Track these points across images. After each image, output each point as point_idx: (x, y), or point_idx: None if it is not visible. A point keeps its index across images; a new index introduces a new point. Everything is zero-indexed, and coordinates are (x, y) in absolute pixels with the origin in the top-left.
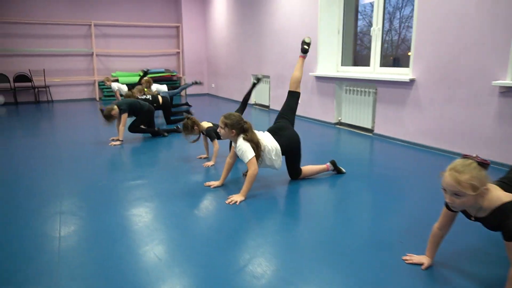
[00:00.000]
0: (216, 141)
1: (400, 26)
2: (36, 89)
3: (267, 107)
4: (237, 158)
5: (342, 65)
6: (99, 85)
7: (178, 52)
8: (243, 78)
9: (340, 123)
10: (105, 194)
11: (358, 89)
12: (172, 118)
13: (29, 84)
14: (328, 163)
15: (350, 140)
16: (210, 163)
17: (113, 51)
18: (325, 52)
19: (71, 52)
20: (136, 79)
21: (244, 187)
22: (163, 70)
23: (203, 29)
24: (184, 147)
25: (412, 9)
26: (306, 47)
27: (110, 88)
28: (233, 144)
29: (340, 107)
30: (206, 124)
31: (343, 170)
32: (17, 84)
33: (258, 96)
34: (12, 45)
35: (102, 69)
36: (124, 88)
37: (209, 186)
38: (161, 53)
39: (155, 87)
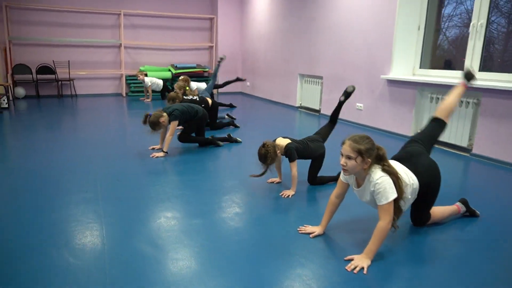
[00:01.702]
0: (296, 163)
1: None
2: (60, 82)
3: (317, 111)
4: (343, 196)
5: (420, 67)
6: (126, 79)
7: (211, 47)
8: (287, 78)
9: None
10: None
11: None
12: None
13: (52, 76)
14: (458, 203)
15: (437, 160)
16: (289, 193)
17: (142, 43)
18: (401, 51)
19: (98, 43)
20: (164, 74)
21: (372, 246)
22: (194, 65)
23: (240, 23)
24: (245, 162)
25: None
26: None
27: (140, 82)
28: (347, 178)
29: (421, 118)
30: (283, 141)
31: (477, 212)
32: (39, 76)
33: (306, 98)
34: (35, 34)
35: (130, 62)
36: (160, 83)
37: (306, 233)
38: (193, 47)
39: (194, 85)
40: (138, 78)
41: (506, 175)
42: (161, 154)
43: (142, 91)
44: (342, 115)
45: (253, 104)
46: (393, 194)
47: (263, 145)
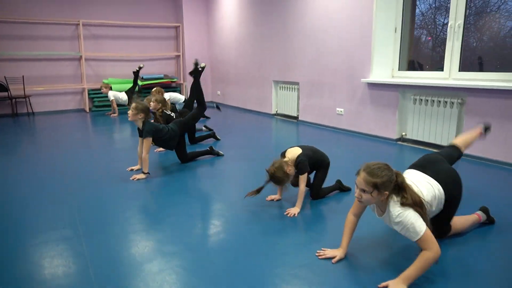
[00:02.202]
0: (306, 176)
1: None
2: (14, 100)
3: (295, 118)
4: (361, 214)
5: (399, 69)
6: (88, 94)
7: (178, 56)
8: (260, 85)
9: (403, 139)
10: None
11: (433, 98)
12: (197, 135)
13: (5, 94)
14: (479, 212)
15: None
16: (295, 211)
17: (105, 54)
18: (380, 54)
19: (56, 56)
20: (130, 86)
21: (412, 272)
22: (162, 76)
23: (207, 30)
24: (234, 177)
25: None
26: None
27: (105, 96)
28: (370, 206)
29: (405, 120)
30: (292, 152)
31: (495, 219)
32: None
33: (282, 105)
34: None
35: (92, 75)
36: (123, 97)
37: (326, 258)
38: (159, 56)
39: (168, 95)
40: (102, 91)
41: (495, 173)
42: (142, 176)
43: (107, 105)
44: (322, 120)
45: (226, 113)
46: (422, 226)
47: (273, 166)
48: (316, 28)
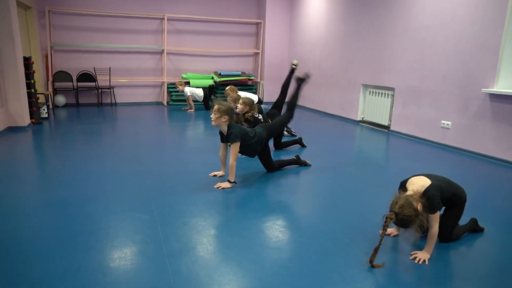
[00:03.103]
0: (438, 216)
1: None
2: (100, 90)
3: (386, 127)
4: None
5: None
6: (167, 87)
7: (257, 53)
8: (346, 88)
9: None
10: None
11: None
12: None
13: (92, 84)
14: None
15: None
16: (424, 257)
17: (185, 49)
18: (511, 61)
19: (140, 49)
20: (207, 82)
21: None
22: (239, 73)
23: (289, 28)
24: (333, 194)
25: None
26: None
27: (182, 93)
28: None
29: None
30: (418, 183)
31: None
32: (80, 84)
33: (371, 112)
34: (76, 40)
35: (172, 69)
36: (200, 93)
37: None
38: (237, 53)
39: (243, 96)
40: (178, 89)
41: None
42: (228, 185)
43: (184, 100)
44: (420, 133)
45: (305, 116)
46: None
47: (397, 204)
48: (422, 28)
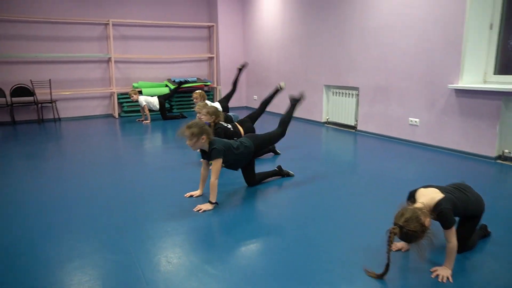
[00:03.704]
0: (454, 230)
1: None
2: (40, 105)
3: (353, 127)
4: None
5: (494, 73)
6: (118, 98)
7: (211, 58)
8: (308, 90)
9: (504, 157)
10: None
11: None
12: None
13: (30, 98)
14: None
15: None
16: (446, 274)
17: (134, 56)
18: (472, 56)
19: (84, 58)
20: (161, 90)
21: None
22: (195, 79)
23: (243, 30)
24: (327, 210)
25: None
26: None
27: (136, 102)
28: None
29: (509, 135)
30: (428, 196)
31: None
32: (15, 99)
33: (335, 112)
34: (9, 50)
35: (121, 78)
36: (156, 102)
37: None
38: (191, 58)
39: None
40: (132, 98)
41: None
42: (209, 206)
43: (138, 111)
44: (389, 131)
45: (267, 120)
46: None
47: (402, 217)
48: (382, 27)
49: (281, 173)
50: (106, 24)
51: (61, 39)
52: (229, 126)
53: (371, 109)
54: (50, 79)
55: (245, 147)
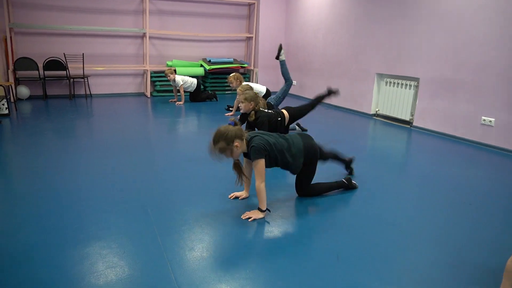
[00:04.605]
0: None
1: None
2: (72, 80)
3: (408, 122)
4: None
5: None
6: (151, 76)
7: (250, 38)
8: (356, 78)
9: None
10: None
11: None
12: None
13: (63, 72)
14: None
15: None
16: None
17: (170, 32)
18: None
19: (118, 32)
20: (195, 70)
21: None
22: (231, 60)
23: (286, 9)
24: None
25: None
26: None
27: (169, 82)
28: None
29: None
30: None
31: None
32: (47, 73)
33: (387, 105)
34: (42, 21)
35: (155, 55)
36: (194, 82)
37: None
38: (228, 37)
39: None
40: (168, 77)
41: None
42: (260, 214)
43: (170, 90)
44: (453, 130)
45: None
46: None
47: None
48: (454, 11)
49: (349, 185)
50: None
51: (95, 11)
52: (269, 111)
53: (433, 104)
54: (83, 53)
55: (294, 145)
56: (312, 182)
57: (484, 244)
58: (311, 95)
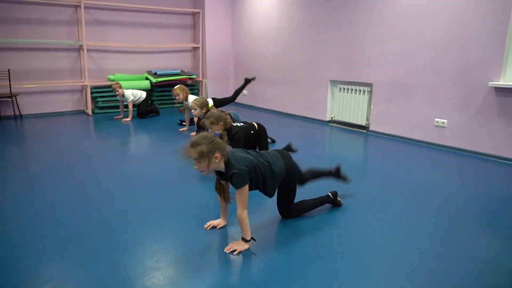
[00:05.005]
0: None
1: None
2: None
3: (364, 127)
4: None
5: None
6: (91, 92)
7: (196, 48)
8: (310, 85)
9: None
10: None
11: None
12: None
13: None
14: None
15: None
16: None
17: (110, 44)
18: None
19: (50, 45)
20: (140, 83)
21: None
22: (179, 71)
23: (232, 17)
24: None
25: None
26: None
27: (112, 95)
28: None
29: None
30: None
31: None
32: None
33: (342, 111)
34: None
35: (95, 69)
36: (143, 95)
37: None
38: (173, 48)
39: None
40: (117, 92)
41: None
42: (245, 245)
43: (114, 107)
44: (409, 132)
45: (262, 118)
46: None
47: None
48: (403, 17)
49: (334, 201)
50: (77, 6)
51: (24, 22)
52: (241, 124)
53: (388, 108)
54: (9, 69)
55: (273, 162)
56: (295, 201)
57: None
58: (263, 104)
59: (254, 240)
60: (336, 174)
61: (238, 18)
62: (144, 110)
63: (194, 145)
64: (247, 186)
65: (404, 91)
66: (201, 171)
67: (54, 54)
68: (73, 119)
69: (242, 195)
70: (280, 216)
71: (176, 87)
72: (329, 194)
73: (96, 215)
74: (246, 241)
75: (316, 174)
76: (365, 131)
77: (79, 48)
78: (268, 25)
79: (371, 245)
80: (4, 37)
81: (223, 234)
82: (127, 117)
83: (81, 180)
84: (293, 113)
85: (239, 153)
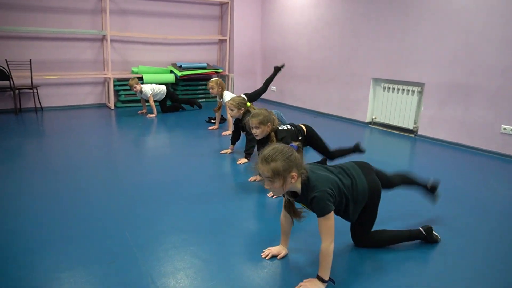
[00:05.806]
0: None
1: None
2: (17, 91)
3: (411, 131)
4: None
5: None
6: (114, 85)
7: (223, 40)
8: (349, 83)
9: None
10: None
11: None
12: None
13: (6, 82)
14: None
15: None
16: None
17: (134, 35)
18: None
19: (73, 34)
20: (166, 77)
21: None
22: (205, 65)
23: (262, 8)
24: None
25: None
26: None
27: (136, 93)
28: None
29: None
30: None
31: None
32: None
33: (385, 111)
34: None
35: (118, 61)
36: (163, 90)
37: None
38: (199, 40)
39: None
40: (134, 89)
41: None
42: (321, 287)
43: (137, 100)
44: (467, 139)
45: (294, 117)
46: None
47: None
48: (465, 9)
49: (427, 237)
50: None
51: (44, 9)
52: (288, 127)
53: (442, 111)
54: (30, 60)
55: (356, 181)
56: (374, 228)
57: None
58: (292, 101)
59: (333, 282)
60: (432, 189)
61: (269, 9)
62: (164, 104)
63: (267, 160)
64: (332, 213)
65: (463, 93)
66: (274, 192)
67: (77, 44)
68: (95, 112)
69: (328, 225)
70: (352, 243)
71: (212, 79)
72: (421, 229)
73: (120, 226)
74: (322, 281)
75: (410, 181)
76: (413, 135)
77: (102, 39)
78: (301, 17)
79: None
80: (25, 25)
81: (285, 264)
82: (151, 113)
83: (102, 179)
84: (328, 112)
85: (320, 171)
